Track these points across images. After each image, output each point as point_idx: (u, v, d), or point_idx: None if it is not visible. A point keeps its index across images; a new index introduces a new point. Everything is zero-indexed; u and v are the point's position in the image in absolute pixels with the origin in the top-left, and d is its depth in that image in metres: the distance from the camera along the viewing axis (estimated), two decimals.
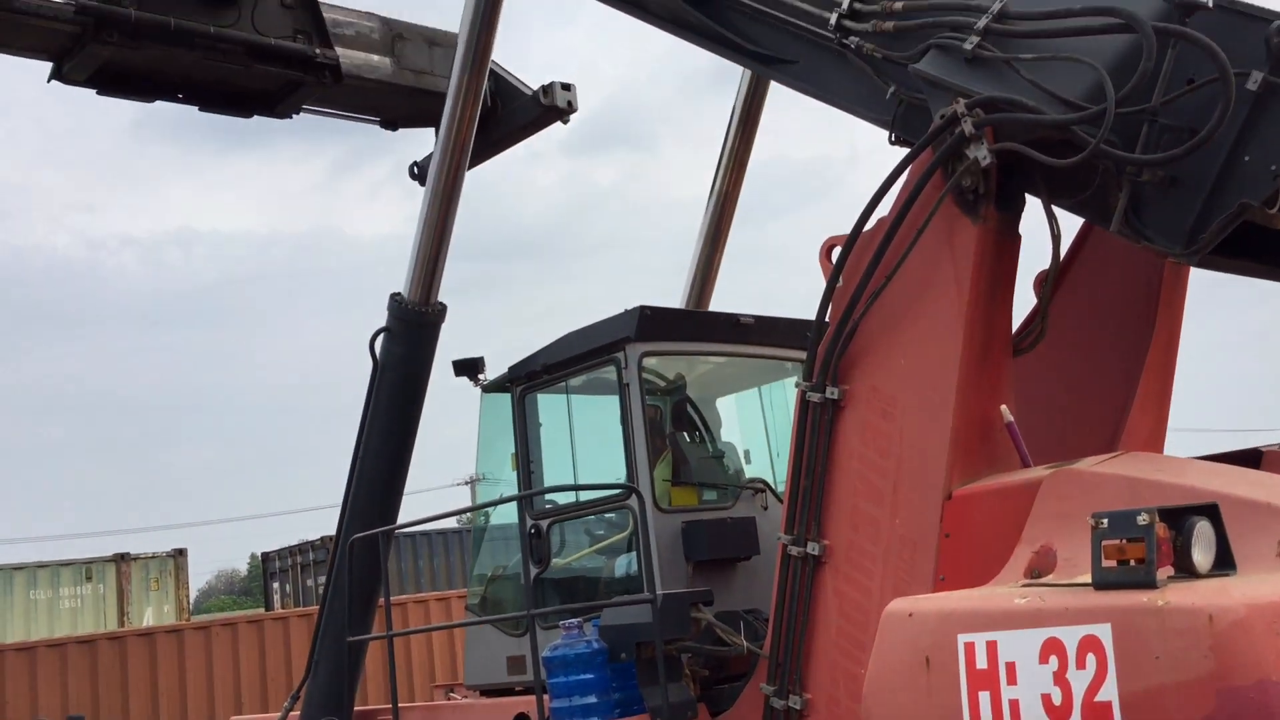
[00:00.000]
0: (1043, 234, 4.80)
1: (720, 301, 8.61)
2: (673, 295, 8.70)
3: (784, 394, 7.03)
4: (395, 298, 7.43)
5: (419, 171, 10.72)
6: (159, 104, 10.06)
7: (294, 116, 10.46)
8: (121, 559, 24.03)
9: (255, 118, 10.26)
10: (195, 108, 10.10)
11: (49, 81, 9.47)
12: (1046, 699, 3.17)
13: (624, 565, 6.26)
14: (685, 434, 6.84)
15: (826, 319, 5.11)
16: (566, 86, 9.59)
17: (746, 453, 7.03)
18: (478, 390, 7.09)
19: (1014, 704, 3.24)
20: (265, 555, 26.29)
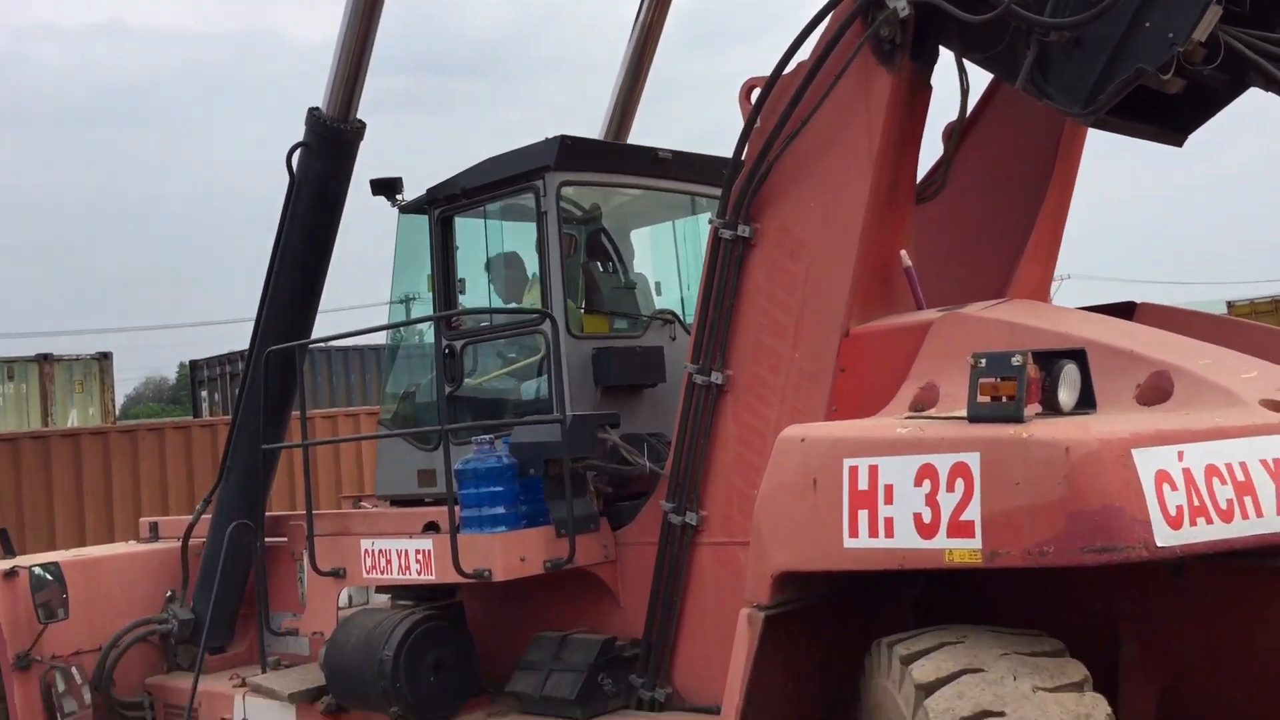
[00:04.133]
0: (953, 88, 4.99)
1: (673, 127, 8.58)
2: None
3: (697, 229, 7.21)
4: (314, 112, 7.33)
5: None
6: None
7: None
8: (44, 359, 23.52)
9: None
10: None
11: None
12: (918, 517, 3.51)
13: (535, 387, 6.48)
14: (599, 264, 7.01)
15: (743, 158, 5.27)
16: None
17: (658, 285, 7.23)
18: (395, 211, 7.12)
19: (889, 521, 3.57)
20: (194, 363, 25.88)
